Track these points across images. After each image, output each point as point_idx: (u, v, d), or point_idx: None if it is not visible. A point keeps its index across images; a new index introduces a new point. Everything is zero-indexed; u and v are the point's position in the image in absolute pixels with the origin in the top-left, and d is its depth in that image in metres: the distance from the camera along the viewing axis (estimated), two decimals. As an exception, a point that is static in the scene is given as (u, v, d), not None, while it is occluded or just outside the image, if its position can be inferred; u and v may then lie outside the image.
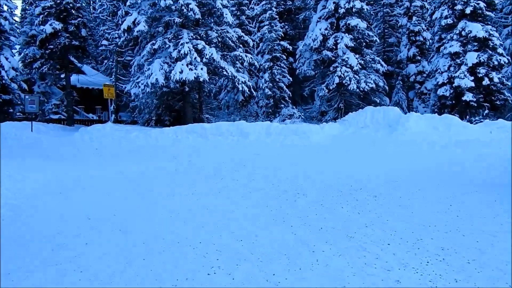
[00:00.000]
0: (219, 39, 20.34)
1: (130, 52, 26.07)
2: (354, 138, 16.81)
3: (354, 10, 23.36)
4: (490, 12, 22.85)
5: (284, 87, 24.87)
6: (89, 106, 28.87)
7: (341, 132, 18.60)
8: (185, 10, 18.90)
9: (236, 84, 20.17)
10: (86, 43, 24.84)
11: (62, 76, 24.54)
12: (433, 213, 6.15)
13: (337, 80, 23.19)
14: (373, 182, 8.30)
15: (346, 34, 23.57)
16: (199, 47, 19.19)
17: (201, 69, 18.92)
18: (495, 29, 23.28)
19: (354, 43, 23.63)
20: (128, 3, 20.23)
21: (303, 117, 22.73)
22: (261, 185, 8.20)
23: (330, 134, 17.94)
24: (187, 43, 18.96)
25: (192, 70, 18.75)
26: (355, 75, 23.37)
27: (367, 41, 24.26)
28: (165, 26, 20.25)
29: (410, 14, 28.71)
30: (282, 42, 25.67)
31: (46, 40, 23.14)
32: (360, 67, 23.57)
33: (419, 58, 28.81)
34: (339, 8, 23.48)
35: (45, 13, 23.24)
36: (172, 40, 19.69)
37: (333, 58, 23.88)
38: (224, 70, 19.84)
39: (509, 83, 23.49)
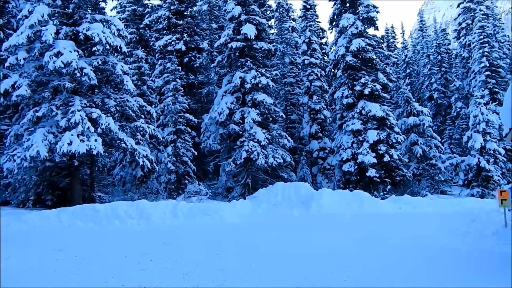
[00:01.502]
0: (118, 108, 18.21)
1: (7, 120, 22.39)
2: (270, 218, 15.33)
3: (260, 85, 23.15)
4: (386, 94, 24.36)
5: (189, 162, 23.06)
6: None
7: (254, 210, 17.06)
8: (78, 74, 16.66)
9: (136, 157, 17.88)
10: None
11: None
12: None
13: (244, 154, 22.14)
14: (320, 277, 6.77)
15: (253, 109, 23.07)
16: (94, 116, 16.82)
17: (95, 140, 16.41)
18: (391, 109, 24.77)
19: (261, 118, 23.17)
20: (7, 64, 17.33)
21: (210, 193, 20.89)
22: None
23: (243, 213, 16.28)
24: (79, 111, 16.48)
25: (83, 141, 16.14)
26: (263, 150, 22.59)
27: (274, 116, 24.02)
28: (53, 91, 17.61)
29: (310, 93, 29.72)
30: (186, 115, 24.28)
31: None
32: (267, 142, 22.96)
33: (320, 135, 29.48)
34: (245, 83, 23.11)
35: None
36: (61, 108, 17.06)
37: (240, 132, 23.00)
38: (122, 142, 17.52)
39: (406, 160, 24.68)
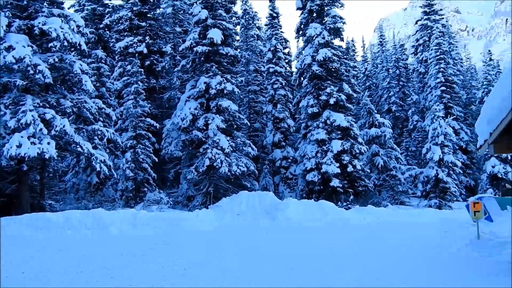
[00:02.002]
0: (74, 109, 17.03)
1: None
2: (236, 228, 14.73)
3: (225, 92, 22.61)
4: (350, 104, 24.48)
5: (149, 169, 22.04)
6: None
7: (218, 220, 16.38)
8: (31, 71, 15.40)
9: (93, 163, 16.73)
10: None
11: None
12: None
13: (207, 162, 21.45)
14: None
15: (218, 115, 22.48)
16: (47, 117, 15.59)
17: (48, 143, 15.17)
18: (354, 120, 24.90)
19: (225, 124, 22.60)
20: (-50, 57, 15.77)
21: (171, 202, 19.98)
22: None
23: (208, 223, 15.57)
24: (30, 111, 15.21)
25: (35, 144, 14.87)
26: (226, 158, 22.01)
27: (238, 123, 23.52)
28: (1, 89, 16.21)
29: (274, 101, 29.48)
30: (147, 119, 23.24)
31: None
32: (231, 149, 22.39)
33: (283, 144, 29.26)
34: (210, 88, 22.49)
35: None
36: (10, 107, 15.70)
37: (203, 139, 22.31)
38: (78, 146, 16.34)
39: (368, 170, 24.86)
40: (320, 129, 23.66)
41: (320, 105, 24.13)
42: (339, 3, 24.88)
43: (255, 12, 38.11)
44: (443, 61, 37.38)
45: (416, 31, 45.43)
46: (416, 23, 46.20)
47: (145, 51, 29.36)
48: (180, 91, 28.49)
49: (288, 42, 44.02)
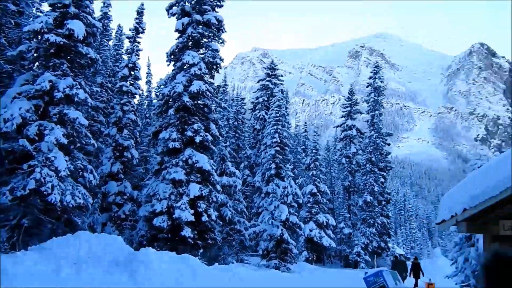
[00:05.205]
0: None
1: None
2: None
3: (76, 99, 17.83)
4: (214, 147, 22.37)
5: None
6: None
7: (53, 271, 11.61)
8: None
9: None
10: None
11: None
12: None
13: (32, 184, 15.99)
14: None
15: (59, 126, 17.34)
16: None
17: None
18: (215, 164, 22.80)
19: (67, 140, 17.57)
20: None
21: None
22: None
23: (33, 276, 10.80)
24: None
25: None
26: (60, 183, 16.89)
27: (83, 142, 18.70)
28: None
29: (121, 126, 25.04)
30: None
31: None
32: (67, 173, 17.36)
33: (122, 176, 24.82)
34: (56, 91, 17.42)
35: None
36: None
37: (32, 152, 16.71)
38: None
39: (221, 222, 22.77)
40: (179, 167, 20.64)
41: (183, 141, 21.29)
42: (221, 39, 23.23)
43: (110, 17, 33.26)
44: (280, 122, 39.15)
45: (257, 89, 47.44)
46: (258, 82, 48.40)
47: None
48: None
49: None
